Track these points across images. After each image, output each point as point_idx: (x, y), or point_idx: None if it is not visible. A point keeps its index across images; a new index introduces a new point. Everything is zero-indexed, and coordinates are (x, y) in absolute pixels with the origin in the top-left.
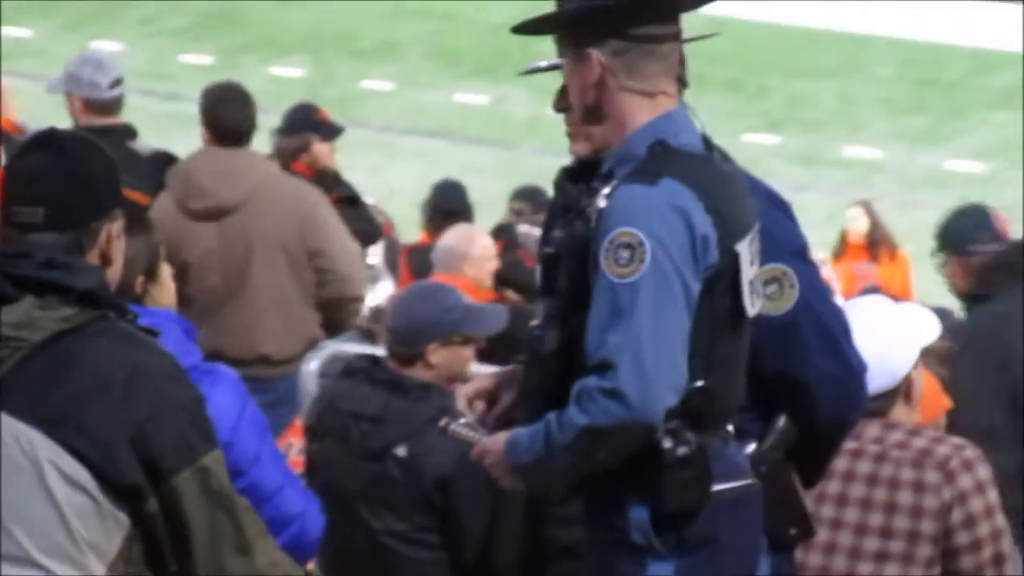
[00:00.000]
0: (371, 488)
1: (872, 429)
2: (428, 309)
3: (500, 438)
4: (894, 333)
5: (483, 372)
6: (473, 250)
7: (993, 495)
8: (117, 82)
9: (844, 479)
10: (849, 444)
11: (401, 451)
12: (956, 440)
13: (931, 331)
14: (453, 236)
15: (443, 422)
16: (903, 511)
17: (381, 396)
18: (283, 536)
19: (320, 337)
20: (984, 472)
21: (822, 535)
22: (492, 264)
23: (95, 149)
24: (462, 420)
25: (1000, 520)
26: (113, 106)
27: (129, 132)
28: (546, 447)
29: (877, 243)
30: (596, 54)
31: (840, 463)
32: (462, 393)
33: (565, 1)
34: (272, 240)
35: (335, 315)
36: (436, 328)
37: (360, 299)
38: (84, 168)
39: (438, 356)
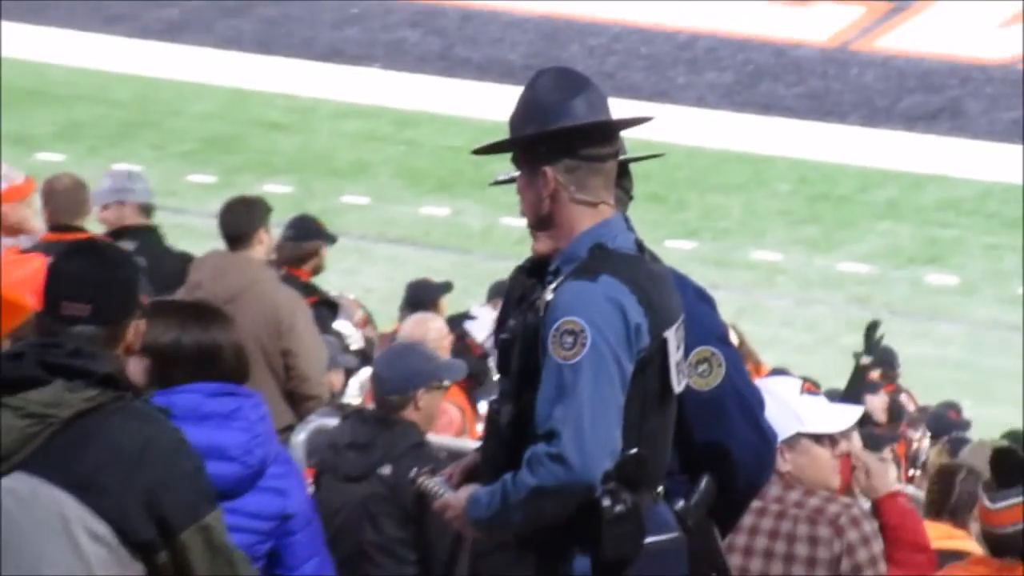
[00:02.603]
0: (358, 507)
1: (774, 490)
2: (416, 359)
3: (462, 495)
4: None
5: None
6: (429, 335)
7: (877, 547)
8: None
9: (750, 533)
10: (754, 503)
11: (386, 471)
12: (845, 499)
13: (820, 422)
14: (411, 324)
15: (412, 473)
16: (800, 561)
17: (372, 429)
18: None
19: (294, 424)
20: (869, 527)
21: None
22: (446, 344)
23: (126, 258)
24: (436, 479)
25: (882, 568)
26: (151, 210)
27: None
28: (502, 503)
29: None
30: (551, 171)
31: (746, 519)
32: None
33: (520, 126)
34: (253, 337)
35: (295, 406)
36: (424, 375)
37: (315, 398)
38: (122, 273)
39: (424, 400)
